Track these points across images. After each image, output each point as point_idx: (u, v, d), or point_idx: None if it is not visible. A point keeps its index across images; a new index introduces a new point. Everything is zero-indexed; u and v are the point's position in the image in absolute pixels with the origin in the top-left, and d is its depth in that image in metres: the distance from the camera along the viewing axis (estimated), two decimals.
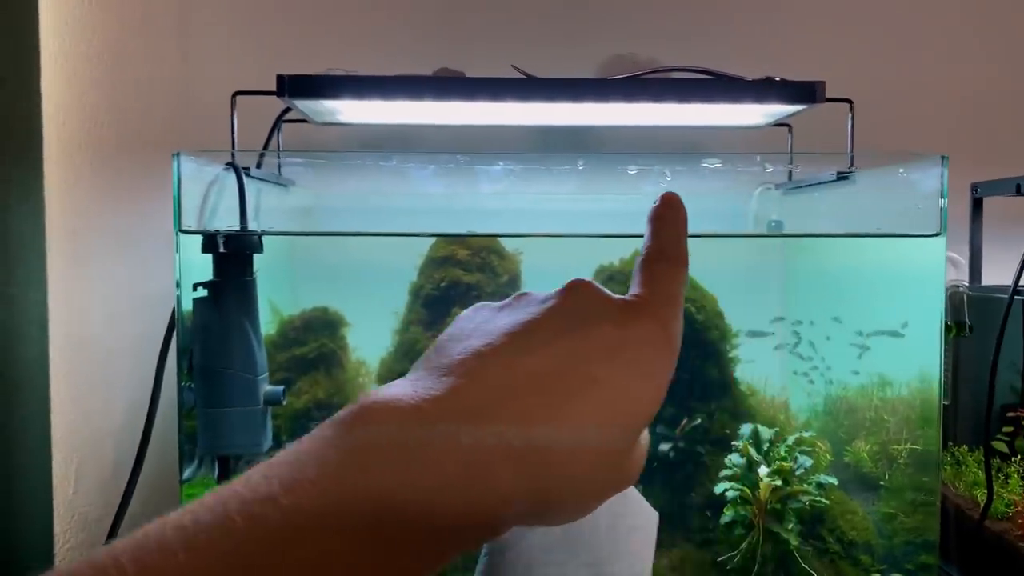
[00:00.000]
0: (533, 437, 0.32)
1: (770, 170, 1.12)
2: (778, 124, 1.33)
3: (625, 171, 0.91)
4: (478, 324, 0.37)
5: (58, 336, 1.47)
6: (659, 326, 0.37)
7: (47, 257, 1.46)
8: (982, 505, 1.15)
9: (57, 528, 1.50)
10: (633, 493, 0.49)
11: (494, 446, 0.32)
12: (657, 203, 0.43)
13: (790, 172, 1.30)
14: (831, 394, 1.25)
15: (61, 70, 1.47)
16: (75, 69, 1.48)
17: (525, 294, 0.39)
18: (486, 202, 1.06)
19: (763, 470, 0.98)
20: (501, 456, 0.32)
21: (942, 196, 0.90)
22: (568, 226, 1.05)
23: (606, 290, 0.38)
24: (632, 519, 0.49)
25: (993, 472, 1.15)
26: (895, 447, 1.10)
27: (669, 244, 0.40)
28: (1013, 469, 1.24)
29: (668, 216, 0.42)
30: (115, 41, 1.48)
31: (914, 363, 1.07)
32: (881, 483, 1.11)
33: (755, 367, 1.23)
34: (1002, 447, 1.24)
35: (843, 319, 1.22)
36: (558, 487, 0.33)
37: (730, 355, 1.17)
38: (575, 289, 0.38)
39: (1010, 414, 1.29)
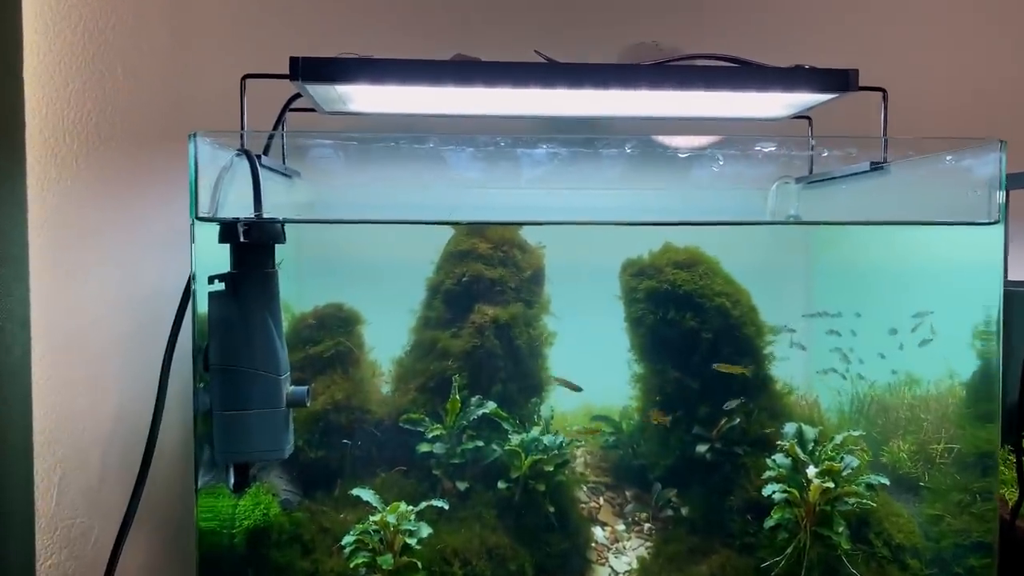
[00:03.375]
0: None
1: (825, 155, 1.08)
2: (798, 116, 1.29)
3: (675, 155, 0.86)
4: None
5: (41, 336, 1.39)
6: None
7: (29, 253, 1.38)
8: (1011, 504, 1.12)
9: (39, 543, 1.41)
10: None
11: None
12: None
13: (811, 165, 1.26)
14: (859, 392, 1.21)
15: (45, 59, 1.39)
16: (60, 58, 1.40)
17: None
18: (510, 191, 1.00)
19: (811, 471, 0.93)
20: None
21: (1000, 184, 0.85)
22: (594, 217, 0.99)
23: None
24: None
25: None
26: (934, 447, 1.06)
27: None
28: None
29: None
30: (102, 29, 1.40)
31: (960, 360, 1.03)
32: (921, 484, 1.07)
33: (781, 366, 1.18)
34: None
35: (878, 316, 1.18)
36: None
37: (765, 352, 1.12)
38: None
39: None
